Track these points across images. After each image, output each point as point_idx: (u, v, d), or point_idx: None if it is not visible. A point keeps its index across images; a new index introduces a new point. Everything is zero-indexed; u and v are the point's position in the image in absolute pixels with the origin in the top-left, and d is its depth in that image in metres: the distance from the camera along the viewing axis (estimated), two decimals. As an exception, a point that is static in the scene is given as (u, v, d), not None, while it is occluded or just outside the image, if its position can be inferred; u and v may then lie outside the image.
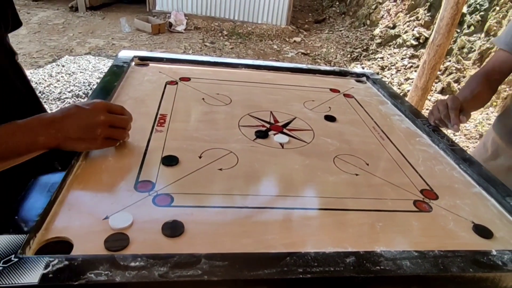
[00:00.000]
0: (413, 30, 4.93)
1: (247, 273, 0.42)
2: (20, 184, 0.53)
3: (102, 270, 0.39)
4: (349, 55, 5.28)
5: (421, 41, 4.74)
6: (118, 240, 0.46)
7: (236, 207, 0.56)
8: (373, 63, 4.88)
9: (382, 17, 5.72)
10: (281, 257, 0.44)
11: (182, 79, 0.99)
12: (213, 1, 5.97)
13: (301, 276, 0.43)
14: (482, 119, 3.42)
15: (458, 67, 4.09)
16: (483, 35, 4.02)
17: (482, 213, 0.62)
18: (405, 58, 4.71)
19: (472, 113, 0.97)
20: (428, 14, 4.88)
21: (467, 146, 3.15)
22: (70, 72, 3.65)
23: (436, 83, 4.05)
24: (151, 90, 0.90)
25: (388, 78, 4.45)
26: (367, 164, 0.72)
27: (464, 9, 4.20)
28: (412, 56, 4.67)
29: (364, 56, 5.17)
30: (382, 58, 4.92)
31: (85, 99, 2.92)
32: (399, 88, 4.16)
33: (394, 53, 4.91)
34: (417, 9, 5.13)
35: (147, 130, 0.72)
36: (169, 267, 0.41)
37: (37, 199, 0.49)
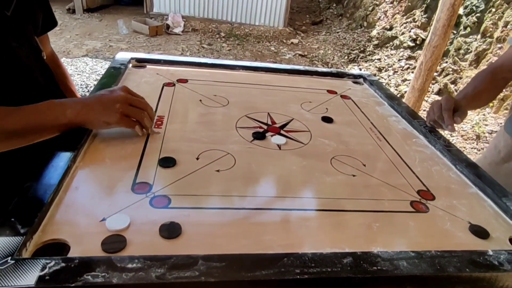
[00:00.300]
0: (409, 31, 4.96)
1: (244, 274, 0.42)
2: (17, 186, 0.53)
3: (99, 272, 0.39)
4: (346, 57, 5.30)
5: (417, 42, 4.76)
6: (115, 242, 0.46)
7: (234, 208, 0.56)
8: (370, 65, 4.89)
9: (379, 18, 5.74)
10: (278, 258, 0.44)
11: (179, 80, 0.99)
12: (211, 3, 5.98)
13: (298, 277, 0.43)
14: (479, 120, 3.44)
15: (455, 68, 4.11)
16: (479, 36, 4.05)
17: (479, 214, 0.63)
18: (402, 59, 4.73)
19: (468, 113, 0.97)
20: (425, 16, 4.90)
21: (464, 147, 3.17)
22: (67, 74, 3.64)
23: (433, 84, 4.07)
24: (149, 92, 0.90)
25: (385, 79, 4.47)
26: (364, 165, 0.72)
27: (461, 11, 4.23)
28: (409, 58, 4.69)
29: (361, 58, 5.18)
30: (379, 59, 4.94)
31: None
32: (396, 89, 4.18)
33: (391, 54, 4.93)
34: (414, 10, 5.16)
35: (137, 135, 0.72)
36: (166, 269, 0.41)
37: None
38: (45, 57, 0.80)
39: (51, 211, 0.49)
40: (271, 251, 0.47)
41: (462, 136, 3.31)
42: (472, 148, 3.16)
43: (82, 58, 4.13)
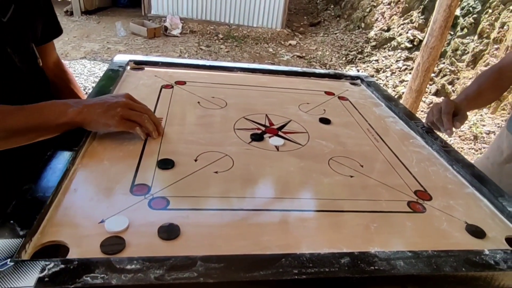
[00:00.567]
0: (407, 32, 4.98)
1: (242, 274, 0.42)
2: (17, 187, 0.53)
3: (98, 273, 0.39)
4: (344, 58, 5.31)
5: (415, 43, 4.78)
6: (114, 243, 0.46)
7: (232, 209, 0.56)
8: (368, 66, 4.91)
9: (376, 20, 5.76)
10: (276, 259, 0.45)
11: (177, 82, 1.00)
12: (209, 5, 5.99)
13: (296, 277, 0.43)
14: (476, 120, 3.45)
15: (452, 69, 4.13)
16: (476, 37, 4.07)
17: (475, 213, 0.63)
18: (399, 60, 4.75)
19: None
20: (422, 17, 4.92)
21: (462, 148, 3.18)
22: (66, 76, 3.64)
23: (430, 85, 4.09)
24: (147, 94, 0.90)
25: (383, 80, 4.48)
26: (362, 166, 0.72)
27: (457, 12, 4.25)
28: (407, 59, 4.71)
29: (359, 59, 5.20)
30: (377, 60, 4.96)
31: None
32: (394, 91, 4.19)
33: (389, 55, 4.95)
34: (411, 12, 5.18)
35: (139, 138, 0.72)
36: (165, 270, 0.41)
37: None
38: (40, 64, 0.81)
39: (50, 213, 0.50)
40: (269, 251, 0.48)
41: (459, 136, 3.32)
42: (469, 149, 3.17)
43: (80, 60, 4.13)
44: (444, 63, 4.24)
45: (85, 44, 4.71)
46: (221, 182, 0.62)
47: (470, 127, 3.39)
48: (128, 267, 0.41)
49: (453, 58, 4.18)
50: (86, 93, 3.25)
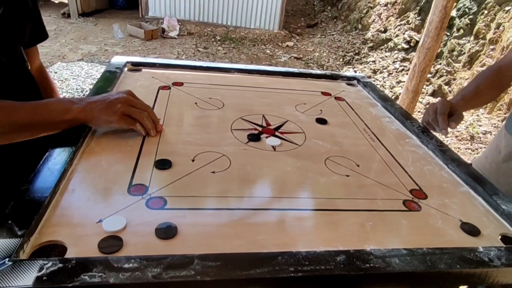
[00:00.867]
0: (404, 33, 5.00)
1: (239, 272, 0.43)
2: (15, 187, 0.54)
3: (96, 272, 0.40)
4: (341, 59, 5.33)
5: (412, 44, 4.80)
6: (111, 243, 0.46)
7: (229, 209, 0.57)
8: (365, 67, 4.93)
9: (373, 21, 5.79)
10: (272, 257, 0.45)
11: (174, 84, 1.00)
12: (206, 7, 6.00)
13: (292, 274, 0.43)
14: (473, 121, 3.47)
15: (449, 69, 4.15)
16: (472, 38, 4.09)
17: (470, 212, 0.64)
18: (396, 61, 4.77)
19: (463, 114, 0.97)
20: (419, 18, 4.95)
21: (459, 148, 3.19)
22: (63, 78, 3.64)
23: (427, 85, 4.11)
24: (144, 95, 0.90)
25: (380, 81, 4.50)
26: (358, 165, 0.73)
27: (453, 13, 4.28)
28: (404, 59, 4.73)
29: (356, 60, 5.22)
30: (374, 61, 4.98)
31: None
32: (391, 91, 4.21)
33: (386, 56, 4.97)
34: (408, 13, 5.21)
35: (140, 134, 0.73)
36: (162, 268, 0.42)
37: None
38: (29, 67, 0.82)
39: (48, 214, 0.50)
40: (266, 250, 0.48)
41: (456, 136, 3.34)
42: (466, 149, 3.19)
43: (77, 62, 4.13)
44: (440, 63, 4.26)
45: (83, 46, 4.71)
46: (218, 182, 0.62)
47: (467, 127, 3.40)
48: (126, 265, 0.41)
49: (449, 59, 4.20)
50: (84, 95, 3.25)
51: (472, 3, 4.26)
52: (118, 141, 0.70)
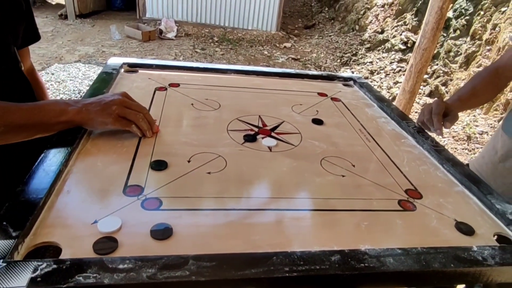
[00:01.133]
0: (401, 34, 5.02)
1: (234, 273, 0.43)
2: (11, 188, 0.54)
3: (90, 273, 0.40)
4: (339, 60, 5.35)
5: (409, 45, 4.82)
6: (106, 243, 0.46)
7: (224, 209, 0.57)
8: (362, 68, 4.94)
9: (370, 22, 5.81)
10: (267, 257, 0.45)
11: (171, 85, 1.00)
12: (204, 8, 6.01)
13: (287, 274, 0.44)
14: (470, 121, 3.48)
15: (445, 70, 4.16)
16: (468, 38, 4.11)
17: (464, 211, 0.64)
18: (393, 62, 4.78)
19: (459, 114, 0.97)
20: (415, 19, 4.97)
21: (456, 148, 3.20)
22: (60, 80, 3.64)
23: (424, 86, 4.12)
24: (141, 96, 0.90)
25: (377, 82, 4.51)
26: (353, 166, 0.73)
27: (450, 14, 4.30)
28: (401, 60, 4.74)
29: (353, 61, 5.23)
30: (371, 62, 4.99)
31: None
32: (388, 92, 4.22)
33: (383, 57, 4.98)
34: (405, 14, 5.23)
35: (136, 135, 0.73)
36: (157, 269, 0.42)
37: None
38: (22, 68, 0.82)
39: (43, 215, 0.50)
40: (261, 250, 0.48)
41: (453, 137, 3.35)
42: (463, 149, 3.20)
43: (74, 63, 4.12)
44: (437, 64, 4.28)
45: (80, 48, 4.70)
46: (214, 183, 0.62)
47: (464, 127, 3.42)
48: (121, 266, 0.41)
49: (446, 60, 4.22)
50: (81, 96, 3.24)
51: (468, 4, 4.28)
52: (114, 142, 0.70)
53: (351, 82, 1.21)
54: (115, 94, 0.71)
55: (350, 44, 5.68)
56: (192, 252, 0.45)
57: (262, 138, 0.79)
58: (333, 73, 1.27)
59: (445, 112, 0.91)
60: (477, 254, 0.51)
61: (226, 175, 0.65)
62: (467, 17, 4.21)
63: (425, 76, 3.86)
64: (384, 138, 0.87)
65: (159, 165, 0.65)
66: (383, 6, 5.73)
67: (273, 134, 0.82)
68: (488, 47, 3.83)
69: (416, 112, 3.61)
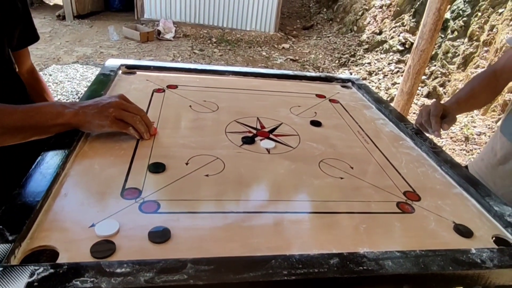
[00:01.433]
0: (399, 35, 5.03)
1: (232, 276, 0.42)
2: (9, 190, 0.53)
3: (87, 277, 0.40)
4: (337, 61, 5.35)
5: (407, 46, 4.83)
6: (104, 247, 0.46)
7: (223, 212, 0.57)
8: (360, 69, 4.95)
9: (368, 23, 5.82)
10: (266, 260, 0.45)
11: (169, 86, 1.00)
12: (202, 9, 6.01)
13: (285, 278, 0.43)
14: (467, 122, 3.49)
15: (443, 71, 4.18)
16: (466, 40, 4.12)
17: (463, 213, 0.64)
18: (391, 63, 4.79)
19: (457, 116, 0.97)
20: (413, 20, 4.98)
21: (454, 149, 3.21)
22: (58, 81, 3.63)
23: (422, 87, 4.13)
24: (138, 98, 0.90)
25: (375, 83, 4.52)
26: (352, 168, 0.73)
27: (448, 15, 4.31)
28: (399, 61, 4.75)
29: (351, 62, 5.24)
30: (369, 63, 5.00)
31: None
32: (386, 93, 4.23)
33: (381, 58, 5.00)
34: (403, 15, 5.24)
35: (133, 137, 0.73)
36: (155, 273, 0.41)
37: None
38: (16, 69, 0.82)
39: (40, 218, 0.50)
40: (260, 253, 0.48)
41: (451, 138, 3.36)
42: (461, 150, 3.21)
43: (72, 64, 4.11)
44: (435, 65, 4.29)
45: (78, 49, 4.69)
46: (212, 185, 0.62)
47: (461, 128, 3.43)
48: (118, 270, 0.41)
49: (444, 61, 4.23)
50: (79, 97, 3.24)
51: (466, 5, 4.29)
52: (111, 144, 0.69)
53: (349, 84, 1.22)
54: (112, 97, 0.70)
55: (348, 45, 5.69)
56: (190, 255, 0.45)
57: (261, 140, 0.79)
58: (331, 75, 1.27)
59: (443, 114, 0.91)
60: (475, 256, 0.51)
61: (224, 177, 0.65)
62: (465, 18, 4.23)
63: (423, 77, 3.87)
64: (382, 140, 0.87)
65: (157, 168, 0.64)
66: (381, 7, 5.75)
67: (271, 136, 0.82)
68: (485, 48, 3.85)
69: (414, 113, 3.62)
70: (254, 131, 0.82)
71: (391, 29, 5.25)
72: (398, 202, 0.64)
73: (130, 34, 5.28)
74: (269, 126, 0.86)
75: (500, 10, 3.86)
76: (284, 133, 0.84)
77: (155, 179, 0.61)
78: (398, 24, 5.21)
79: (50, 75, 3.73)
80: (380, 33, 5.40)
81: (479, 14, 4.08)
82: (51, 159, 0.60)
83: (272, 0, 5.96)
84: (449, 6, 4.11)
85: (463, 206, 0.66)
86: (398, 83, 4.05)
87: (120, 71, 1.05)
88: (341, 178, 0.69)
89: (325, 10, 7.33)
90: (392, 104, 2.15)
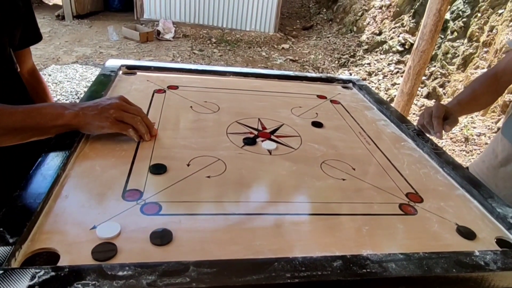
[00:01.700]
0: (398, 36, 5.03)
1: (235, 279, 0.42)
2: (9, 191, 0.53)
3: (89, 280, 0.39)
4: (336, 61, 5.35)
5: (406, 47, 4.83)
6: (105, 249, 0.46)
7: (224, 214, 0.56)
8: (360, 69, 4.95)
9: (368, 23, 5.82)
10: (269, 263, 0.45)
11: (170, 87, 1.00)
12: (202, 9, 6.00)
13: (289, 281, 0.43)
14: (467, 123, 3.49)
15: (443, 72, 4.18)
16: (466, 40, 4.13)
17: (465, 215, 0.64)
18: (391, 63, 4.79)
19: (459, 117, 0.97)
20: (413, 21, 4.99)
21: (453, 150, 3.21)
22: (57, 81, 3.62)
23: (422, 88, 4.13)
24: (139, 99, 0.90)
25: (375, 83, 4.52)
26: (354, 169, 0.73)
27: (447, 16, 4.31)
28: (398, 62, 4.76)
29: (351, 62, 5.24)
30: (369, 64, 5.00)
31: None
32: (386, 94, 4.23)
33: (381, 59, 5.00)
34: (402, 16, 5.25)
35: (133, 139, 0.72)
36: (157, 276, 0.41)
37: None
38: (18, 69, 0.82)
39: (41, 220, 0.49)
40: (262, 256, 0.48)
41: (451, 138, 3.36)
42: (461, 151, 3.21)
43: (72, 64, 4.11)
44: (435, 66, 4.29)
45: (77, 49, 4.68)
46: (214, 187, 0.62)
47: (461, 129, 3.43)
48: (120, 273, 0.41)
49: (443, 61, 4.24)
50: (78, 98, 3.23)
51: (465, 6, 4.30)
52: (112, 145, 0.69)
53: (350, 85, 1.21)
54: (112, 98, 0.70)
55: (348, 45, 5.69)
56: (192, 258, 0.45)
57: (262, 141, 0.78)
58: (332, 76, 1.27)
59: (445, 116, 0.91)
60: (479, 259, 0.51)
61: (226, 179, 0.64)
62: (465, 19, 4.23)
63: (423, 77, 3.87)
64: (384, 141, 0.87)
65: (158, 169, 0.64)
66: (380, 8, 5.75)
67: (272, 137, 0.81)
68: (485, 49, 3.85)
69: (414, 114, 3.62)
70: (256, 132, 0.82)
71: (391, 29, 5.25)
72: (400, 203, 0.64)
73: (129, 34, 5.27)
74: (271, 127, 0.85)
75: (499, 11, 3.86)
76: (285, 134, 0.84)
77: (157, 181, 0.61)
78: (397, 24, 5.21)
79: (50, 75, 3.72)
80: (380, 33, 5.40)
81: (479, 15, 4.09)
82: (51, 161, 0.60)
83: (272, 1, 5.96)
84: (449, 7, 4.11)
85: (465, 207, 0.66)
86: (398, 84, 4.05)
87: (120, 72, 1.05)
88: (343, 179, 0.69)
89: (325, 10, 7.33)
90: (392, 105, 2.14)
